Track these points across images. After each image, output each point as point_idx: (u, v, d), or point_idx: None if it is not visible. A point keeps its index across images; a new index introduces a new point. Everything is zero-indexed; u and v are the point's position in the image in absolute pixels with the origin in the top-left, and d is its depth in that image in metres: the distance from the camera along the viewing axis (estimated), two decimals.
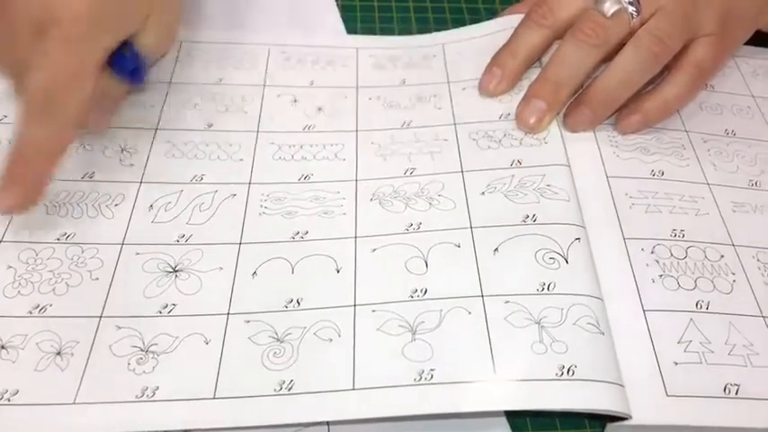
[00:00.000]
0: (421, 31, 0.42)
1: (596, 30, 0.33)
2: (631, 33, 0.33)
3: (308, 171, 0.33)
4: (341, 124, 0.35)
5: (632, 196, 0.33)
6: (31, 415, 0.24)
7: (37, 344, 0.26)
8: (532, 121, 0.34)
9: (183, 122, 0.35)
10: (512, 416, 0.26)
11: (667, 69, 0.35)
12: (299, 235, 0.30)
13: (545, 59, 0.37)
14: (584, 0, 0.35)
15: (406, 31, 0.42)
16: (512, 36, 0.37)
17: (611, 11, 0.33)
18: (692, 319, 0.29)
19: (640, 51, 0.33)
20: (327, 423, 0.25)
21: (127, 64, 0.31)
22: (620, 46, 0.34)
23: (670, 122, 0.37)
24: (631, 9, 0.33)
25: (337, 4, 0.43)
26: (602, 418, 0.27)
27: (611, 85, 0.34)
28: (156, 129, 0.35)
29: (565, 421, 0.27)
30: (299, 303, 0.27)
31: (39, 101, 0.27)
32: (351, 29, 0.42)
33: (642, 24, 0.33)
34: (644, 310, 0.29)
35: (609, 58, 0.34)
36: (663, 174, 0.34)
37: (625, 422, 0.26)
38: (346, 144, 0.34)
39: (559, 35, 0.36)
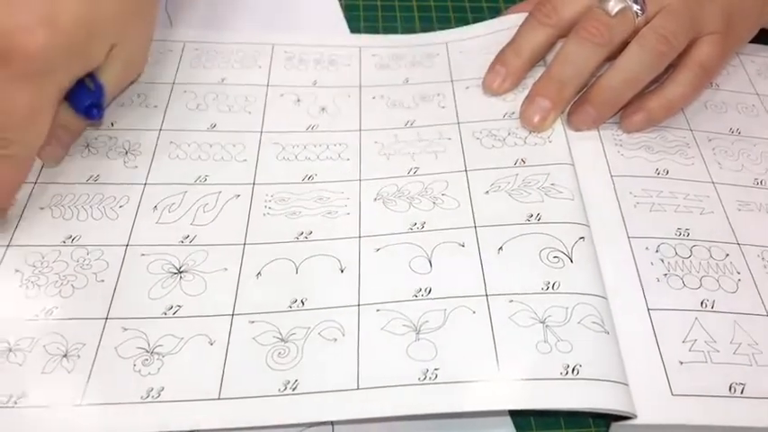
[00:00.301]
0: (424, 30, 0.42)
1: (600, 28, 0.33)
2: (636, 32, 0.33)
3: (312, 171, 0.33)
4: (344, 124, 0.35)
5: (636, 195, 0.33)
6: (38, 417, 0.24)
7: (44, 346, 0.26)
8: (536, 119, 0.34)
9: (186, 123, 0.35)
10: (516, 415, 0.26)
11: (672, 68, 0.35)
12: (303, 235, 0.30)
13: (549, 58, 0.37)
14: None
15: (409, 30, 0.42)
16: (516, 35, 0.36)
17: (616, 9, 0.33)
18: (696, 318, 0.29)
19: (645, 50, 0.33)
20: (332, 423, 0.25)
21: (83, 99, 0.30)
22: (625, 45, 0.34)
23: (674, 121, 0.36)
24: (636, 7, 0.33)
25: (340, 4, 0.43)
26: (607, 418, 0.26)
27: (615, 84, 0.34)
28: (160, 130, 0.35)
29: (569, 420, 0.27)
30: (303, 303, 0.27)
31: None
32: (354, 28, 0.42)
33: (647, 23, 0.33)
34: (648, 309, 0.29)
35: (613, 56, 0.34)
36: (667, 172, 0.34)
37: (630, 422, 0.26)
38: (350, 144, 0.34)
39: (563, 34, 0.35)
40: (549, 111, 0.34)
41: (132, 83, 0.36)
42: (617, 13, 0.33)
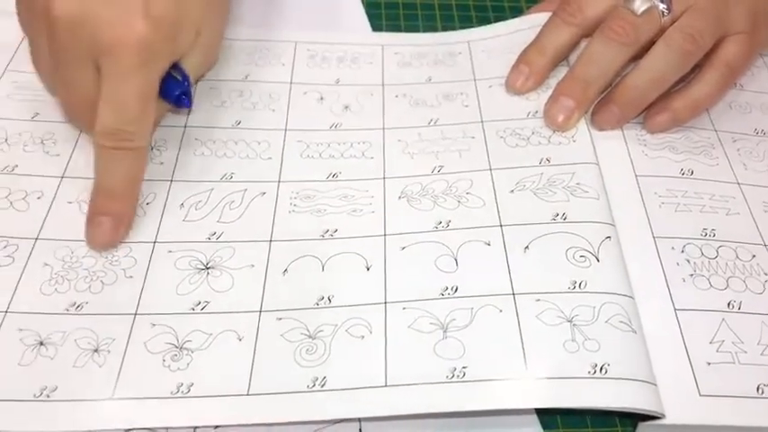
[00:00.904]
0: (446, 29, 0.42)
1: (626, 28, 0.33)
2: (661, 32, 0.33)
3: (337, 169, 0.33)
4: (367, 122, 0.35)
5: (661, 195, 0.33)
6: (70, 410, 0.25)
7: (75, 340, 0.26)
8: (561, 119, 0.34)
9: (211, 120, 0.35)
10: (542, 413, 0.27)
11: (697, 68, 0.35)
12: (329, 233, 0.30)
13: (572, 57, 0.37)
14: None
15: (431, 28, 0.42)
16: (539, 34, 0.36)
17: (642, 9, 0.33)
18: (723, 319, 0.29)
19: (672, 49, 0.32)
20: (359, 420, 0.26)
21: (173, 89, 0.31)
22: (650, 44, 0.34)
23: (698, 121, 0.36)
24: (662, 7, 0.33)
25: (362, 2, 0.43)
26: (634, 417, 0.26)
27: (640, 84, 0.33)
28: (185, 126, 0.35)
29: (596, 420, 0.27)
30: (330, 301, 0.28)
31: (111, 139, 0.28)
32: (376, 26, 0.42)
33: (673, 22, 0.33)
34: (675, 310, 0.29)
35: (637, 56, 0.34)
36: (692, 173, 0.34)
37: (657, 421, 0.26)
38: (373, 142, 0.34)
39: (587, 33, 0.35)
40: (574, 110, 0.34)
41: (208, 71, 0.36)
42: (643, 13, 0.33)
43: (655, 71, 0.33)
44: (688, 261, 0.30)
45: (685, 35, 0.32)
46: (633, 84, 0.34)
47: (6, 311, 0.27)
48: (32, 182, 0.32)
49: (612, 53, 0.33)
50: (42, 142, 0.34)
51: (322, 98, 0.37)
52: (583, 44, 0.36)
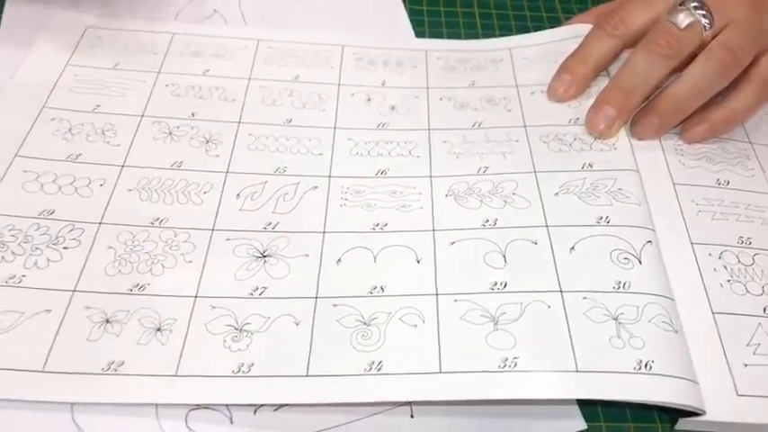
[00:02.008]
0: (486, 36, 0.43)
1: (670, 41, 0.34)
2: (702, 45, 0.34)
3: (385, 166, 0.34)
4: (413, 123, 0.37)
5: (699, 203, 0.34)
6: (137, 384, 0.26)
7: (138, 319, 0.28)
8: (602, 127, 0.35)
9: (263, 117, 0.37)
10: (585, 406, 0.27)
11: (735, 81, 0.36)
12: (379, 226, 0.31)
13: (611, 68, 0.38)
14: (655, 11, 0.36)
15: (472, 35, 0.44)
16: (582, 44, 0.38)
17: (685, 23, 0.34)
18: (760, 324, 0.29)
19: (712, 63, 0.34)
20: (410, 406, 0.27)
21: None
22: (691, 58, 0.35)
23: (734, 134, 0.37)
24: (705, 21, 0.34)
25: (406, 10, 0.45)
26: (672, 414, 0.27)
27: (680, 95, 0.35)
28: (239, 122, 0.36)
29: (636, 414, 0.28)
30: (382, 290, 0.29)
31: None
32: (419, 33, 0.44)
33: (714, 36, 0.34)
34: (713, 313, 0.30)
35: (677, 68, 0.35)
36: (728, 183, 0.35)
37: (697, 418, 0.26)
38: (419, 142, 0.36)
39: (629, 45, 0.37)
40: (615, 119, 0.35)
41: None
42: (686, 27, 0.34)
43: (695, 83, 0.34)
44: (725, 267, 0.31)
45: (726, 49, 0.33)
46: (673, 95, 0.35)
47: (74, 290, 0.29)
48: (95, 170, 0.33)
49: (655, 65, 0.34)
50: (103, 133, 0.35)
51: (369, 99, 0.38)
52: (623, 55, 0.37)
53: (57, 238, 0.30)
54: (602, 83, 0.38)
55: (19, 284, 0.29)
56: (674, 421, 0.28)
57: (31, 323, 0.27)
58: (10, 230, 0.30)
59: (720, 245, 0.32)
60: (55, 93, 0.37)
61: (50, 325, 0.27)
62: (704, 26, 0.34)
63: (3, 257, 0.29)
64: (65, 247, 0.30)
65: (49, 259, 0.29)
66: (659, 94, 0.35)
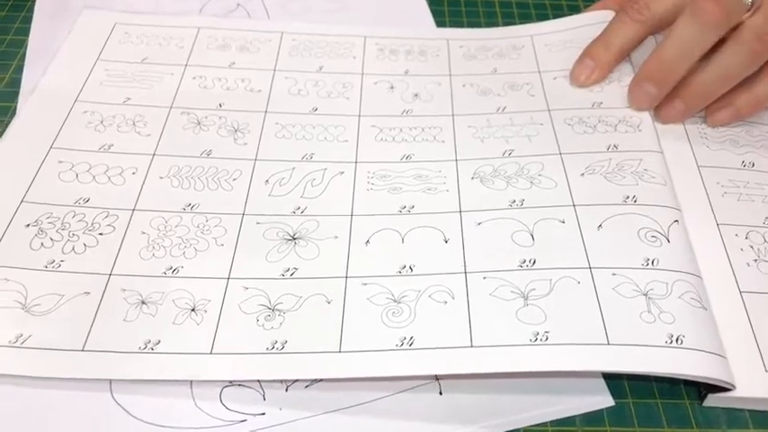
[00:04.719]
0: (506, 25, 0.44)
1: (717, 10, 0.32)
2: (738, 26, 0.33)
3: (410, 151, 0.35)
4: (437, 109, 0.37)
5: (724, 185, 0.34)
6: (174, 362, 0.26)
7: (173, 300, 0.28)
8: (645, 105, 0.35)
9: (289, 106, 0.37)
10: (612, 380, 0.28)
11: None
12: (406, 209, 0.32)
13: (633, 55, 0.38)
14: None
15: (492, 24, 0.44)
16: (605, 29, 0.38)
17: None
18: None
19: (742, 48, 0.33)
20: (439, 382, 0.27)
21: None
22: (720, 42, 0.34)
23: (760, 117, 0.37)
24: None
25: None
26: (699, 389, 0.27)
27: (707, 80, 0.34)
28: (266, 112, 0.37)
29: (662, 389, 0.28)
30: (411, 269, 0.29)
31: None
32: (440, 23, 0.44)
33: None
34: (741, 292, 0.30)
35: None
36: (753, 165, 0.35)
37: (727, 393, 0.26)
38: (444, 127, 0.36)
39: (653, 31, 0.37)
40: (656, 96, 0.35)
41: None
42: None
43: (723, 68, 0.34)
44: (752, 247, 0.31)
45: (757, 38, 0.33)
46: (700, 80, 0.34)
47: (110, 274, 0.29)
48: (127, 159, 0.34)
49: (703, 34, 0.33)
50: (134, 124, 0.36)
51: (392, 87, 0.39)
52: (647, 43, 0.37)
53: (92, 224, 0.31)
54: (624, 69, 0.38)
55: (58, 269, 0.29)
56: (702, 398, 0.27)
57: (70, 305, 0.28)
58: (48, 218, 0.31)
59: (747, 225, 0.32)
60: (86, 87, 0.38)
61: (89, 307, 0.28)
62: (747, 5, 0.33)
63: (42, 244, 0.30)
64: (100, 233, 0.31)
65: (85, 245, 0.30)
66: (685, 78, 0.35)
